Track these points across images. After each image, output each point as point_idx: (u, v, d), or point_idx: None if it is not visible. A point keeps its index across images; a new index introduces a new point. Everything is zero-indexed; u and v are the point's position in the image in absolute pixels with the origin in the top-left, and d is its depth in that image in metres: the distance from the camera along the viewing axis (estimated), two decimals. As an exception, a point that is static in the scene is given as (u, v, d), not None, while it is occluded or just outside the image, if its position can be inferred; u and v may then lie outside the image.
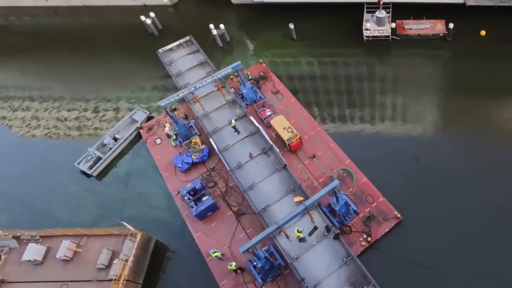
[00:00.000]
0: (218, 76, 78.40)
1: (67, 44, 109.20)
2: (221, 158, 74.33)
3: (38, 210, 79.58)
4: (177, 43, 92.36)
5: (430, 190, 73.50)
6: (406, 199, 71.59)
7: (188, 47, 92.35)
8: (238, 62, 79.84)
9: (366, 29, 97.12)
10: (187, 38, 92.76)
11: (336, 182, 60.38)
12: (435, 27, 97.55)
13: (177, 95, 75.87)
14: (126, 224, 68.60)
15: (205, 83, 77.31)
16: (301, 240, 64.11)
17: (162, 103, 74.45)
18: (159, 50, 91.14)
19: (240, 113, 79.86)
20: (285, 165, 71.16)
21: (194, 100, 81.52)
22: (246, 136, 76.40)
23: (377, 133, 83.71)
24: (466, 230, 68.43)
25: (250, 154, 73.32)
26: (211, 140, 76.69)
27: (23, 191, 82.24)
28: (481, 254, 65.73)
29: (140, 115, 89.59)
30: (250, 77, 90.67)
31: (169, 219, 75.74)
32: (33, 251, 68.11)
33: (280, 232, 61.48)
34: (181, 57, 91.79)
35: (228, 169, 72.70)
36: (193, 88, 76.48)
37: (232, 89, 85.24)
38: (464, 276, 64.16)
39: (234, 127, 76.45)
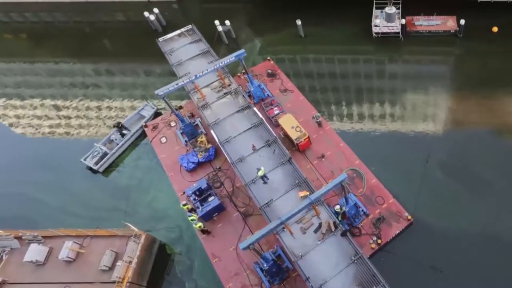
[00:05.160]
0: (220, 64, 75.96)
1: (69, 41, 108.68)
2: (223, 150, 72.12)
3: (41, 208, 78.70)
4: (178, 32, 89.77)
5: (442, 191, 72.65)
6: (417, 201, 70.84)
7: (190, 36, 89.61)
8: (242, 51, 77.28)
9: (376, 26, 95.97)
10: (189, 27, 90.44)
11: (343, 175, 57.87)
12: (446, 23, 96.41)
13: (177, 84, 73.25)
14: (130, 225, 67.66)
15: (206, 71, 74.89)
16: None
17: (161, 91, 71.93)
18: (159, 39, 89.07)
19: (243, 104, 77.33)
20: (290, 158, 68.44)
21: (195, 90, 79.05)
22: (249, 128, 73.82)
23: (387, 132, 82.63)
24: (478, 234, 67.52)
25: (253, 146, 70.88)
26: (212, 131, 74.45)
27: (28, 189, 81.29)
28: (492, 258, 65.02)
29: (148, 111, 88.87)
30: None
31: (174, 220, 74.75)
32: (35, 252, 67.04)
33: (284, 228, 59.59)
34: (182, 46, 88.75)
35: (230, 161, 70.30)
36: (193, 77, 73.97)
37: (240, 86, 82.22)
38: (474, 281, 63.44)
39: (263, 177, 68.82)
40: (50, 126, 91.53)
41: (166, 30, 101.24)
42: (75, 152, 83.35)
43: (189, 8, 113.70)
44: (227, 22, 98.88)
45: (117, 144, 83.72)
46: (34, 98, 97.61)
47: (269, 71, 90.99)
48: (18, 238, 69.18)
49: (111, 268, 65.38)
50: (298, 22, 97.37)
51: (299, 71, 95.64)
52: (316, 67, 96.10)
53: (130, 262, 65.52)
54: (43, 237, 69.38)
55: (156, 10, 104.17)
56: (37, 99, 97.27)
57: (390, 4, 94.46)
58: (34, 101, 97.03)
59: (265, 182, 66.66)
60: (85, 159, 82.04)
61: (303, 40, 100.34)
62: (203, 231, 69.77)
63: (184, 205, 69.75)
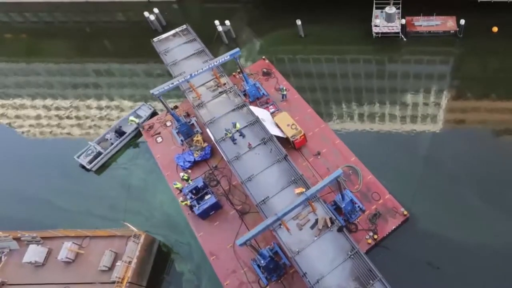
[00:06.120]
0: (215, 63, 75.76)
1: (69, 41, 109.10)
2: (219, 148, 72.03)
3: (39, 209, 78.82)
4: (173, 31, 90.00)
5: (437, 187, 72.86)
6: (413, 197, 70.91)
7: (185, 36, 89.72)
8: (237, 49, 77.07)
9: (376, 26, 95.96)
10: (183, 26, 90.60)
11: (339, 171, 57.42)
12: (446, 23, 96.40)
13: (172, 83, 72.99)
14: (129, 225, 67.72)
15: (201, 70, 74.65)
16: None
17: (156, 91, 71.67)
18: (154, 39, 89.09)
19: (238, 103, 77.20)
20: (286, 155, 68.03)
21: (190, 89, 79.02)
22: (245, 126, 73.57)
23: (383, 130, 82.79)
24: (474, 229, 67.63)
25: (249, 144, 70.59)
26: (208, 130, 74.41)
27: (24, 189, 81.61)
28: (488, 253, 65.19)
29: (144, 111, 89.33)
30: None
31: (171, 219, 75.07)
32: (34, 253, 67.28)
33: (280, 225, 59.46)
34: (177, 46, 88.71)
35: (226, 159, 70.26)
36: (188, 76, 73.72)
37: (235, 86, 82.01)
38: (470, 276, 63.60)
39: (232, 137, 71.54)
40: (50, 126, 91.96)
41: (166, 30, 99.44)
42: (71, 151, 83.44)
43: (189, 8, 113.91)
44: (227, 22, 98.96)
45: (112, 144, 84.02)
46: (34, 98, 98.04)
47: (264, 70, 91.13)
48: (17, 239, 69.30)
49: (111, 268, 65.57)
50: (298, 22, 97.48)
51: (299, 70, 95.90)
52: (315, 67, 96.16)
53: (130, 262, 65.66)
54: (42, 238, 69.57)
55: (156, 10, 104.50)
56: (37, 99, 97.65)
57: (391, 4, 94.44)
58: (34, 101, 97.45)
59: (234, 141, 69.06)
60: (78, 157, 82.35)
61: (303, 40, 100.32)
62: (191, 207, 70.84)
63: (183, 201, 70.18)
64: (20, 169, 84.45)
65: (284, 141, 76.17)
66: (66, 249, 66.49)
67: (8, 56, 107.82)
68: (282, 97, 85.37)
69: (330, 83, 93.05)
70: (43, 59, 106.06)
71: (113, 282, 63.88)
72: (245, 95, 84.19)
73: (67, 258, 66.30)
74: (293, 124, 75.59)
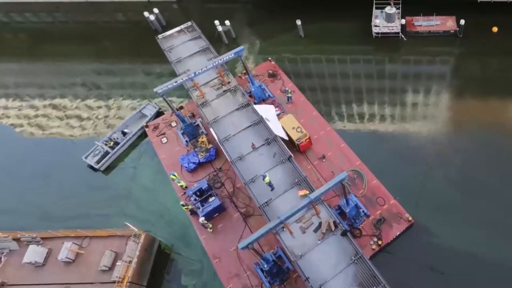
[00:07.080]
0: (219, 61, 75.04)
1: (69, 41, 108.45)
2: (222, 148, 71.40)
3: (40, 209, 78.76)
4: (177, 28, 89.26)
5: (443, 192, 72.59)
6: (418, 202, 70.87)
7: (190, 33, 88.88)
8: (241, 47, 76.60)
9: (376, 26, 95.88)
10: (189, 23, 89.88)
11: (344, 174, 57.18)
12: (446, 23, 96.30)
13: (175, 81, 72.38)
14: (130, 225, 67.45)
15: (205, 69, 73.90)
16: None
17: (159, 89, 71.12)
18: (158, 36, 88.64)
19: (242, 102, 76.42)
20: (290, 156, 67.43)
21: (194, 87, 78.11)
22: (249, 126, 72.86)
23: (388, 133, 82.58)
24: (478, 235, 67.43)
25: (253, 144, 69.81)
26: (211, 129, 73.91)
27: (29, 190, 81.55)
28: (493, 259, 64.94)
29: (150, 110, 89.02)
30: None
31: (174, 220, 74.96)
32: (34, 253, 67.09)
33: (283, 228, 58.97)
34: (181, 43, 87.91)
35: (229, 160, 69.45)
36: (192, 74, 73.03)
37: (241, 86, 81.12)
38: (475, 282, 63.39)
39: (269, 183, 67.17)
40: (50, 126, 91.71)
41: (166, 30, 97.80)
42: (77, 152, 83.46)
43: (189, 8, 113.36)
44: (227, 22, 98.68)
45: (119, 143, 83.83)
46: (34, 98, 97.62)
47: (270, 71, 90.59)
48: (17, 239, 69.11)
49: (111, 268, 65.47)
50: (298, 22, 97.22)
51: (299, 71, 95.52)
52: (316, 67, 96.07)
53: (130, 262, 65.53)
54: (41, 238, 69.38)
55: (156, 10, 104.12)
56: (37, 99, 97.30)
57: (392, 5, 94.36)
58: (34, 101, 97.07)
59: (272, 189, 65.36)
60: (86, 157, 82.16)
61: (303, 40, 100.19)
62: (191, 212, 71.20)
63: (183, 205, 70.10)
64: (24, 170, 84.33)
65: (289, 144, 75.87)
66: (66, 249, 66.43)
67: (8, 56, 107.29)
68: (288, 99, 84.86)
69: (333, 84, 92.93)
70: (43, 59, 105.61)
71: (114, 282, 63.78)
72: (250, 96, 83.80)
73: (67, 258, 66.21)
74: (298, 127, 75.33)
